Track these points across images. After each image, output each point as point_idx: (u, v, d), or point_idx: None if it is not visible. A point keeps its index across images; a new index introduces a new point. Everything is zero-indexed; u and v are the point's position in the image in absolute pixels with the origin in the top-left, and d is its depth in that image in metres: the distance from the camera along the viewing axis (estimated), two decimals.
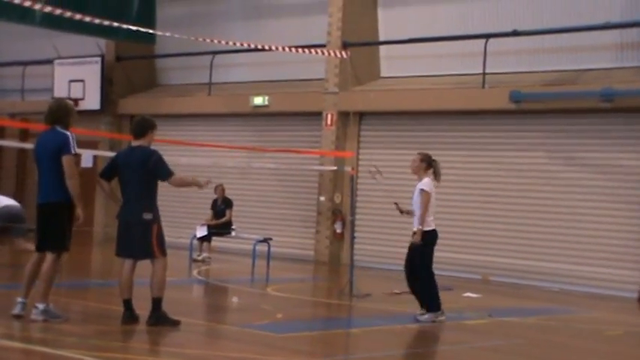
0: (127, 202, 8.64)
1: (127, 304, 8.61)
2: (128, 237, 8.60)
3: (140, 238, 8.52)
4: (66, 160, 8.28)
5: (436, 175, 10.36)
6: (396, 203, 10.65)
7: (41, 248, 8.54)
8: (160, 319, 8.52)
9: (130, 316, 8.58)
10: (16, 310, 8.39)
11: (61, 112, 8.57)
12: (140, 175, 8.56)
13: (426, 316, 10.11)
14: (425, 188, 10.10)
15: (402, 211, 10.61)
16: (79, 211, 8.37)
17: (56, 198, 8.38)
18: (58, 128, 8.52)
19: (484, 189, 16.15)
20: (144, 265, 8.68)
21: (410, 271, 10.25)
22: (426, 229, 10.07)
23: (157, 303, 8.53)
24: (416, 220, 10.10)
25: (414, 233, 10.12)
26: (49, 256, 8.43)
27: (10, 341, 7.54)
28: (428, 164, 10.33)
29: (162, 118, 20.83)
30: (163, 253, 8.58)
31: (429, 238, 10.10)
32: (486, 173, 16.20)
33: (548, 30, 15.70)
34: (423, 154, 10.51)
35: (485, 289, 14.25)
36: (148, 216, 8.50)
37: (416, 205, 10.11)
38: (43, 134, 8.69)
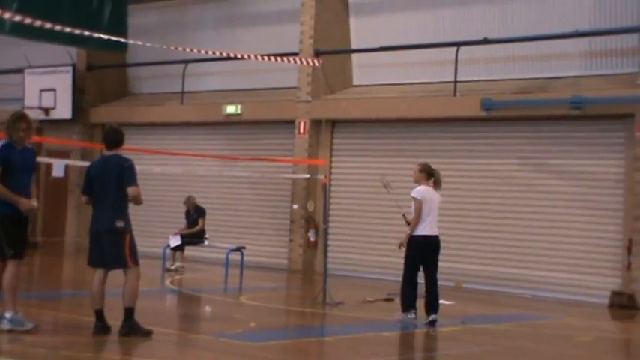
0: (100, 212, 8.58)
1: (99, 314, 8.52)
2: (100, 246, 8.55)
3: (113, 246, 8.46)
4: None
5: (435, 184, 10.70)
6: (404, 215, 10.85)
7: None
8: (132, 328, 8.45)
9: (101, 326, 8.49)
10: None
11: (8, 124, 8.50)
12: (116, 184, 8.48)
13: (399, 315, 10.64)
14: (414, 195, 10.45)
15: (408, 222, 10.72)
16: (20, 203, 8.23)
17: None
18: None
19: (456, 196, 16.20)
20: (117, 275, 8.62)
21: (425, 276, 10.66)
22: (415, 233, 10.41)
23: (129, 312, 8.46)
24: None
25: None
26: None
27: None
28: (428, 174, 10.70)
29: (134, 127, 20.80)
30: (136, 263, 8.53)
31: (414, 243, 10.45)
32: (458, 181, 16.26)
33: (518, 38, 15.84)
34: (422, 164, 10.88)
35: (458, 296, 14.29)
36: (120, 224, 8.45)
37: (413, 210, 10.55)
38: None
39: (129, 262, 8.46)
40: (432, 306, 10.60)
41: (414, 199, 10.43)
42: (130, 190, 8.39)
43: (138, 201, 8.46)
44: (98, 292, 8.53)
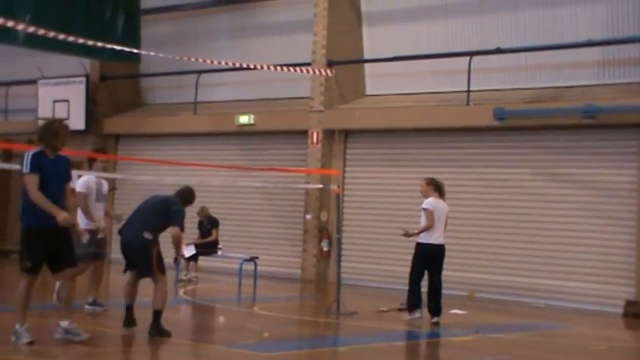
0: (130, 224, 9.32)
1: (127, 309, 9.27)
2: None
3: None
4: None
5: (442, 196, 11.66)
6: (405, 233, 11.60)
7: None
8: (157, 329, 8.93)
9: (127, 320, 9.24)
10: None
11: (41, 132, 8.37)
12: (156, 214, 9.31)
13: (406, 315, 11.47)
14: (426, 206, 11.42)
15: (407, 234, 11.62)
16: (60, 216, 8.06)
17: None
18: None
19: (469, 206, 16.19)
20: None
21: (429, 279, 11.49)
22: (424, 242, 11.33)
23: (156, 315, 8.99)
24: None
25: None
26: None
27: None
28: (435, 186, 11.64)
29: (147, 137, 20.91)
30: (163, 272, 9.14)
31: (422, 250, 11.39)
32: (471, 190, 16.25)
33: (531, 47, 15.83)
34: (429, 178, 11.83)
35: (471, 305, 14.26)
36: (148, 236, 9.10)
37: (422, 220, 11.46)
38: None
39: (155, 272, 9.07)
40: (435, 310, 11.38)
41: (426, 209, 11.37)
42: (173, 230, 9.16)
43: (177, 243, 9.25)
44: (127, 291, 9.29)
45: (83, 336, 8.41)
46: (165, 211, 9.19)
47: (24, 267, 8.29)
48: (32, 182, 8.07)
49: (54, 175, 8.21)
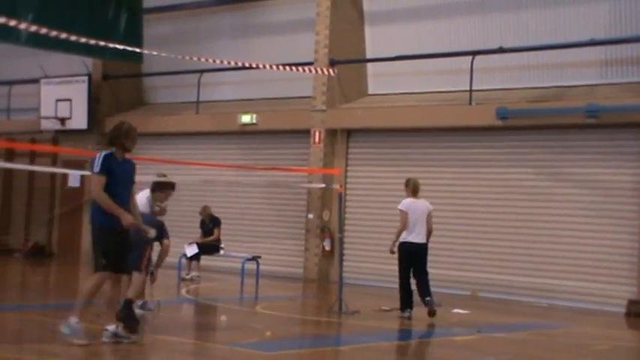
0: None
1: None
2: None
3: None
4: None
5: (414, 193, 11.95)
6: (391, 250, 11.96)
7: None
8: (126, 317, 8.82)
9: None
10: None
11: (112, 134, 8.48)
12: None
13: (399, 314, 11.76)
14: (400, 207, 11.81)
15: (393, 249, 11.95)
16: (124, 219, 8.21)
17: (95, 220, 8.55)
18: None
19: (472, 205, 16.18)
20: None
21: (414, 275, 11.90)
22: (404, 240, 11.70)
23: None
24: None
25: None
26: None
27: None
28: (411, 187, 11.99)
29: (149, 136, 20.87)
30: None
31: (403, 249, 11.73)
32: (474, 189, 16.24)
33: (534, 47, 15.81)
34: (407, 179, 12.19)
35: (474, 305, 14.25)
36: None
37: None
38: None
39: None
40: (427, 303, 11.76)
41: (400, 210, 11.74)
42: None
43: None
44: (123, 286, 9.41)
45: (132, 338, 8.45)
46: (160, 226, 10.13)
47: (99, 264, 8.40)
48: (98, 183, 8.21)
49: (122, 177, 8.33)
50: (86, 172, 18.26)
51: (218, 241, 16.40)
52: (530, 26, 16.15)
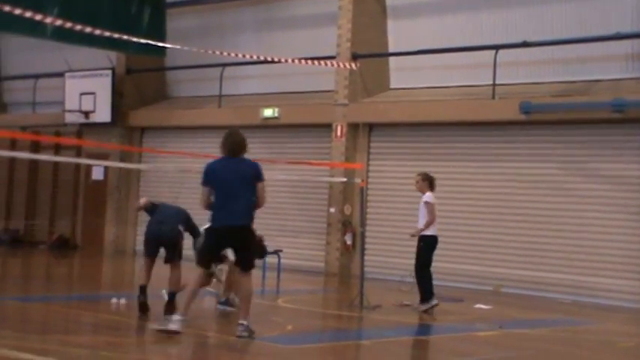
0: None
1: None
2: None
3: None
4: (261, 186, 9.17)
5: (433, 189, 12.30)
6: (414, 234, 12.22)
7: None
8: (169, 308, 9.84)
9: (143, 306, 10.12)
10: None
11: (245, 144, 9.32)
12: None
13: (422, 306, 11.89)
14: (430, 200, 12.06)
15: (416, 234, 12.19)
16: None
17: (250, 221, 9.09)
18: (246, 158, 9.27)
19: (494, 200, 16.10)
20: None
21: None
22: (430, 234, 11.97)
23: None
24: (420, 225, 12.08)
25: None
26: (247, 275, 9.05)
27: (20, 352, 7.54)
28: (430, 182, 12.27)
29: (172, 130, 20.99)
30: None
31: (430, 241, 11.98)
32: (496, 184, 16.15)
33: (558, 41, 15.69)
34: (423, 173, 12.43)
35: (496, 300, 14.18)
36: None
37: (421, 214, 12.05)
38: (231, 162, 9.12)
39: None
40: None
41: (429, 203, 12.00)
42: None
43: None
44: (145, 275, 10.47)
45: (254, 334, 8.78)
46: (186, 220, 10.60)
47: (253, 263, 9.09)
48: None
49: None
50: (109, 164, 18.37)
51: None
52: (554, 20, 16.02)
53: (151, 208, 10.65)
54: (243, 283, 9.02)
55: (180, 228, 10.48)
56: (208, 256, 9.24)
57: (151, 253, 10.43)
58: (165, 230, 10.35)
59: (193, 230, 10.66)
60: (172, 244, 10.36)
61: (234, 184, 9.00)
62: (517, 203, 15.92)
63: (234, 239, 9.02)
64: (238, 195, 8.96)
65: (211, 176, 9.07)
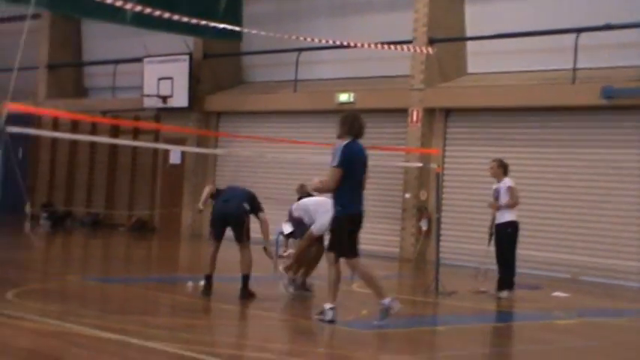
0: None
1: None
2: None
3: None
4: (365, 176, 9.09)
5: (506, 175, 12.18)
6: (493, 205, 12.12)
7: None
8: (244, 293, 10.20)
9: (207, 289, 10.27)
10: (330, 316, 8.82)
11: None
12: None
13: (503, 293, 11.79)
14: (513, 185, 12.00)
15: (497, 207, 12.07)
16: None
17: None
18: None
19: (574, 187, 15.77)
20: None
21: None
22: (514, 219, 11.88)
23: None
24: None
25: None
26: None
27: (101, 331, 7.73)
28: (504, 168, 12.16)
29: (247, 114, 21.15)
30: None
31: (515, 226, 11.89)
32: (576, 171, 15.82)
33: None
34: (499, 160, 12.32)
35: (574, 288, 13.92)
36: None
37: (504, 199, 11.90)
38: (358, 147, 9.09)
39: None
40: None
41: (513, 187, 11.91)
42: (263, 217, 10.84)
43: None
44: (211, 262, 10.57)
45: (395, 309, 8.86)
46: (251, 198, 10.75)
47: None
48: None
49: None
50: (186, 148, 18.62)
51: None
52: (639, 1, 15.53)
53: (217, 194, 10.80)
54: (359, 268, 8.94)
55: (246, 206, 10.57)
56: (348, 243, 8.91)
57: (217, 235, 10.52)
58: (231, 207, 10.47)
59: (257, 208, 10.78)
60: (238, 223, 10.44)
61: (362, 169, 8.97)
62: (597, 190, 15.55)
63: (358, 226, 8.98)
64: (361, 180, 8.92)
65: (353, 158, 8.83)
